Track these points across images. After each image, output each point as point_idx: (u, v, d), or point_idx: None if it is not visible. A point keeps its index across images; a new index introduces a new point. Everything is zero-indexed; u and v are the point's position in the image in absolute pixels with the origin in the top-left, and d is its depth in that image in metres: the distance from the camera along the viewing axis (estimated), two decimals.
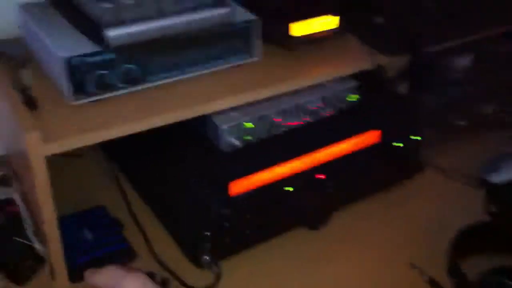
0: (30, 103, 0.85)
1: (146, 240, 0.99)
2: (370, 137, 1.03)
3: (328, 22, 1.02)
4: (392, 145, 1.06)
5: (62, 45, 0.84)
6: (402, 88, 1.12)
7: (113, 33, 0.82)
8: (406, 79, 1.09)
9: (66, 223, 0.99)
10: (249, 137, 0.93)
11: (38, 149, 0.78)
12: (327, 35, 1.03)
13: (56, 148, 0.80)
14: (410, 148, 1.09)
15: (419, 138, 1.09)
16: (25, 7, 0.99)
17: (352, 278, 0.95)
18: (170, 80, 0.92)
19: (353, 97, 1.03)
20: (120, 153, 1.13)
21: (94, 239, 0.98)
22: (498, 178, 1.14)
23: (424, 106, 1.14)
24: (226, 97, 0.91)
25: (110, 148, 1.16)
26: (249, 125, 0.92)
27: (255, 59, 0.98)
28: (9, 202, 0.99)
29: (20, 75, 0.90)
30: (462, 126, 1.21)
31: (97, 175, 1.14)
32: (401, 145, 1.07)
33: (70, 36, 0.87)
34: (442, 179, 1.16)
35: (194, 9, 0.89)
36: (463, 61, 1.18)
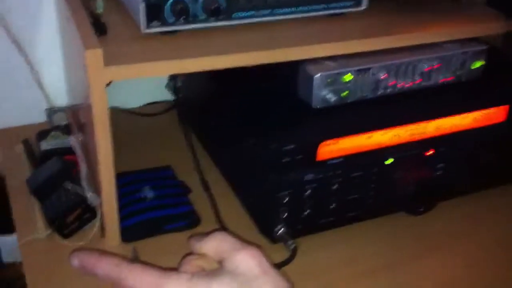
0: (99, 27, 0.74)
1: (214, 206, 0.85)
2: (494, 114, 0.84)
3: None
4: None
5: None
6: None
7: None
8: None
9: (126, 179, 0.89)
10: (347, 93, 0.77)
11: (99, 71, 0.66)
12: None
13: (119, 73, 0.67)
14: None
15: None
16: None
17: (452, 276, 0.78)
18: (259, 20, 0.78)
19: (478, 64, 0.85)
20: (195, 113, 1.01)
21: (155, 199, 0.86)
22: None
23: None
24: (324, 43, 0.76)
25: (185, 108, 1.04)
26: (348, 77, 0.76)
27: (361, 8, 0.83)
28: (69, 151, 0.89)
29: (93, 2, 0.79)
30: None
31: (171, 137, 1.01)
32: None
33: None
34: None
35: None
36: None
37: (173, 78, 1.07)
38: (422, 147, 0.80)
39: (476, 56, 0.84)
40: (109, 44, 0.71)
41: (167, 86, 1.10)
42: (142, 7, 0.71)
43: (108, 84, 0.68)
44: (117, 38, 0.74)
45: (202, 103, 0.97)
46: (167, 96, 1.11)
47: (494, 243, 0.83)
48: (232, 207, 0.86)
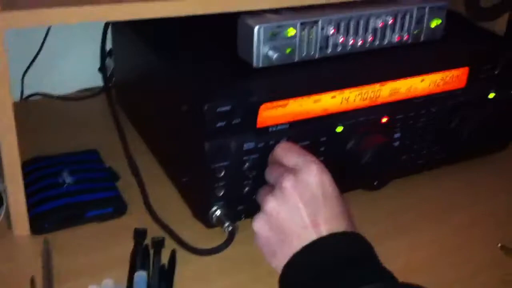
0: None
1: (142, 191, 0.74)
2: (453, 80, 0.75)
3: None
4: (483, 94, 0.79)
5: None
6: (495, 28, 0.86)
7: None
8: (502, 13, 0.82)
9: (43, 163, 0.77)
10: (290, 50, 0.67)
11: None
12: None
13: (21, 19, 0.56)
14: (506, 104, 0.81)
15: None
16: None
17: (427, 255, 0.69)
18: None
19: (436, 22, 0.76)
20: (128, 94, 0.90)
21: (75, 183, 0.73)
22: None
23: None
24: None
25: (117, 90, 0.93)
26: (292, 31, 0.66)
27: None
28: None
29: None
30: None
31: (104, 122, 0.89)
32: (494, 95, 0.79)
33: None
34: None
35: None
36: None
37: (103, 58, 0.95)
38: (376, 113, 0.71)
39: (434, 13, 0.76)
40: None
41: (100, 69, 0.98)
42: None
43: None
44: None
45: (134, 81, 0.86)
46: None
47: (467, 221, 0.74)
48: (166, 192, 0.75)
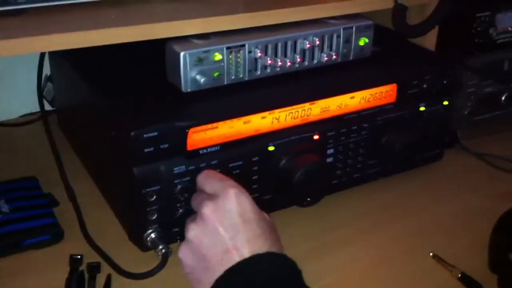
0: None
1: (79, 216, 0.74)
2: (383, 94, 0.78)
3: None
4: (412, 108, 0.81)
5: None
6: (425, 43, 0.88)
7: None
8: (429, 29, 0.85)
9: None
10: (218, 74, 0.69)
11: None
12: None
13: None
14: (436, 116, 0.83)
15: (447, 103, 0.84)
16: None
17: (362, 268, 0.70)
18: None
19: (364, 41, 0.79)
20: (67, 118, 0.90)
21: (12, 212, 0.73)
22: None
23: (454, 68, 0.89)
24: (193, 19, 0.67)
25: (59, 115, 0.93)
26: (219, 56, 0.67)
27: None
28: None
29: None
30: (498, 101, 0.96)
31: (44, 147, 0.89)
32: (424, 109, 0.82)
33: None
34: (472, 162, 0.91)
35: None
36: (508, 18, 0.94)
37: (39, 84, 0.95)
38: (307, 132, 0.73)
39: (361, 32, 0.78)
40: None
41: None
42: None
43: None
44: None
45: (71, 107, 0.86)
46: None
47: (403, 231, 0.76)
48: (105, 217, 0.75)
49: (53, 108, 0.98)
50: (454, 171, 0.89)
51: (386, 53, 0.83)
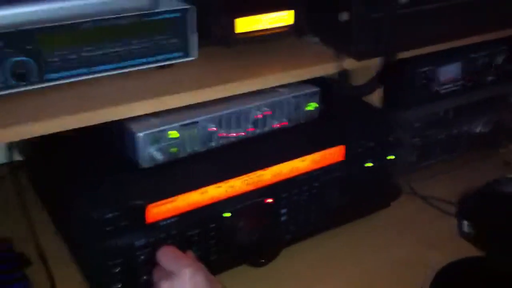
0: None
1: (50, 278, 0.79)
2: (331, 155, 0.84)
3: (282, 17, 0.85)
4: (360, 165, 0.88)
5: None
6: (372, 100, 0.95)
7: None
8: (375, 88, 0.91)
9: None
10: (175, 150, 0.74)
11: None
12: (281, 32, 0.85)
13: None
14: (383, 170, 0.90)
15: (393, 157, 0.90)
16: None
17: None
18: (77, 79, 0.74)
19: (311, 106, 0.85)
20: (35, 177, 0.94)
21: None
22: None
23: (400, 121, 0.96)
24: (146, 100, 0.73)
25: (27, 171, 0.98)
26: (174, 134, 0.73)
27: (190, 58, 0.81)
28: None
29: None
30: (442, 146, 1.03)
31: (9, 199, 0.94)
32: (371, 165, 0.88)
33: None
34: (420, 206, 0.98)
35: None
36: (447, 71, 1.01)
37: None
38: (261, 195, 0.79)
39: (308, 99, 0.84)
40: None
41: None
42: None
43: None
44: None
45: (36, 168, 0.91)
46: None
47: (350, 281, 0.82)
48: (75, 278, 0.80)
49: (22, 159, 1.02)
50: (400, 217, 0.95)
51: (334, 111, 0.89)
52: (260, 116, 0.80)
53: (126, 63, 0.76)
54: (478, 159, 1.08)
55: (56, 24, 0.69)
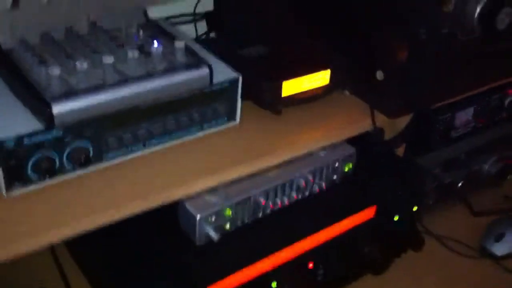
0: None
1: None
2: (365, 214, 0.88)
3: (319, 78, 0.86)
4: (389, 219, 0.92)
5: None
6: (399, 151, 0.98)
7: (60, 109, 0.63)
8: (404, 141, 0.95)
9: None
10: (229, 226, 0.76)
11: None
12: (319, 93, 0.87)
13: None
14: (409, 220, 0.95)
15: (416, 208, 0.95)
16: None
17: None
18: (130, 157, 0.74)
19: (348, 166, 0.88)
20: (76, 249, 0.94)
21: None
22: (501, 249, 1.03)
23: (422, 168, 1.00)
24: (200, 178, 0.73)
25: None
26: (229, 211, 0.75)
27: (234, 123, 0.82)
28: None
29: None
30: (459, 186, 1.08)
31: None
32: (397, 218, 0.93)
33: (3, 104, 0.68)
34: (440, 249, 1.04)
35: (165, 72, 0.71)
36: (463, 116, 1.05)
37: None
38: (302, 260, 0.82)
39: (346, 160, 0.87)
40: None
41: None
42: None
43: None
44: None
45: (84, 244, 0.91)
46: None
47: None
48: None
49: None
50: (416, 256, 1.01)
51: (366, 168, 0.92)
52: (303, 184, 0.82)
53: (176, 135, 0.77)
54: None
55: (118, 109, 0.69)
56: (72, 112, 0.64)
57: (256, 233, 0.79)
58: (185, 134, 0.78)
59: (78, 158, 0.68)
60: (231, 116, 0.81)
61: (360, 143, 0.90)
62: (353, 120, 0.89)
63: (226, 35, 0.99)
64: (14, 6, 0.58)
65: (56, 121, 0.64)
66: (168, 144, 0.77)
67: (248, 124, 0.83)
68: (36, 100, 0.64)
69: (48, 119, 0.63)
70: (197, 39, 0.99)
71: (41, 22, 0.62)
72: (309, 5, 0.94)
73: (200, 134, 0.79)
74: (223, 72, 0.78)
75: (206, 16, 1.03)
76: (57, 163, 0.67)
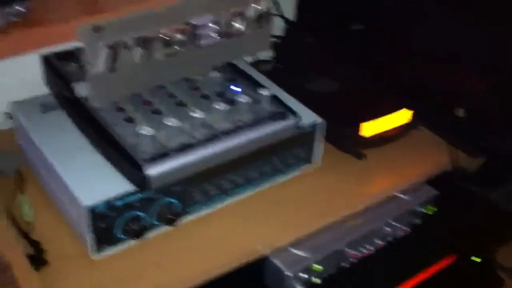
0: (37, 258, 0.63)
1: None
2: (446, 260, 0.84)
3: (399, 116, 0.83)
4: (470, 260, 0.88)
5: (81, 181, 0.62)
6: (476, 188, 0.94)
7: (154, 171, 0.61)
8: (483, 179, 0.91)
9: None
10: (316, 280, 0.73)
11: None
12: (400, 132, 0.83)
13: None
14: (490, 261, 0.91)
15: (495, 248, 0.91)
16: (21, 107, 0.71)
17: None
18: (213, 209, 0.71)
19: (430, 209, 0.84)
20: None
21: None
22: None
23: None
24: (285, 231, 0.71)
25: None
26: (318, 267, 0.72)
27: (313, 166, 0.79)
28: None
29: (19, 206, 0.67)
30: None
31: None
32: (479, 260, 0.89)
33: (89, 162, 0.65)
34: None
35: (253, 124, 0.68)
36: None
37: None
38: None
39: (429, 202, 0.83)
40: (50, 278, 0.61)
41: None
42: (90, 237, 0.61)
43: None
44: (63, 271, 0.63)
45: None
46: None
47: None
48: None
49: None
50: None
51: (448, 209, 0.88)
52: (388, 231, 0.79)
53: (257, 183, 0.74)
54: None
55: (208, 166, 0.66)
56: (165, 174, 0.62)
57: (341, 284, 0.76)
58: (266, 182, 0.75)
59: (165, 216, 0.66)
60: (310, 159, 0.78)
61: (440, 183, 0.86)
62: (433, 160, 0.86)
63: (287, 64, 0.94)
64: (111, 70, 0.55)
65: (150, 183, 0.61)
66: (249, 193, 0.74)
67: (327, 167, 0.80)
68: (128, 162, 0.61)
69: (141, 182, 0.61)
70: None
71: (133, 83, 0.59)
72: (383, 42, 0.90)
73: (280, 179, 0.76)
74: (306, 116, 0.75)
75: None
76: (145, 222, 0.65)
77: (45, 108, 0.69)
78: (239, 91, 0.72)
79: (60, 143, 0.65)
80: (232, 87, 0.72)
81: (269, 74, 0.83)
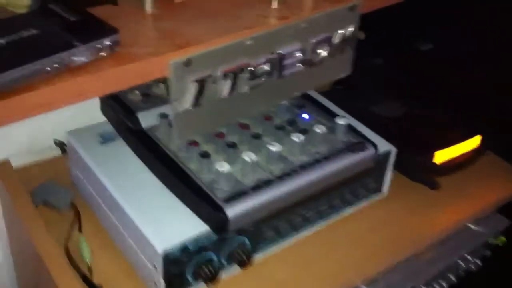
0: None
1: None
2: None
3: (470, 142, 0.78)
4: None
5: (152, 222, 0.56)
6: None
7: (235, 213, 0.55)
8: None
9: None
10: None
11: None
12: (470, 158, 0.78)
13: None
14: None
15: None
16: (79, 137, 0.65)
17: None
18: (282, 246, 0.66)
19: (500, 240, 0.79)
20: None
21: None
22: None
23: None
24: (357, 269, 0.66)
25: None
26: None
27: (381, 195, 0.74)
28: None
29: (77, 246, 0.62)
30: None
31: None
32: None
33: (158, 199, 0.59)
34: None
35: (330, 157, 0.62)
36: None
37: None
38: None
39: (500, 233, 0.79)
40: None
41: None
42: (160, 283, 0.56)
43: None
44: None
45: None
46: None
47: None
48: None
49: None
50: None
51: None
52: (461, 265, 0.74)
53: (326, 216, 0.69)
54: None
55: (284, 203, 0.60)
56: (244, 214, 0.56)
57: None
58: (334, 214, 0.70)
59: (238, 257, 0.60)
60: (380, 189, 0.73)
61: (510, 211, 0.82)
62: (503, 186, 0.81)
63: (348, 86, 0.89)
64: (196, 105, 0.50)
65: (230, 225, 0.55)
66: (317, 227, 0.69)
67: (394, 197, 0.75)
68: (205, 203, 0.55)
69: (220, 223, 0.55)
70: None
71: (217, 118, 0.54)
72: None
73: (349, 210, 0.71)
74: (378, 144, 0.70)
75: None
76: (216, 265, 0.59)
77: (104, 138, 0.64)
78: (309, 119, 0.67)
79: (125, 178, 0.60)
80: (304, 115, 0.67)
81: (327, 95, 0.78)
